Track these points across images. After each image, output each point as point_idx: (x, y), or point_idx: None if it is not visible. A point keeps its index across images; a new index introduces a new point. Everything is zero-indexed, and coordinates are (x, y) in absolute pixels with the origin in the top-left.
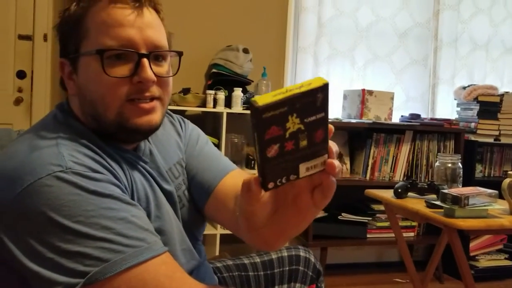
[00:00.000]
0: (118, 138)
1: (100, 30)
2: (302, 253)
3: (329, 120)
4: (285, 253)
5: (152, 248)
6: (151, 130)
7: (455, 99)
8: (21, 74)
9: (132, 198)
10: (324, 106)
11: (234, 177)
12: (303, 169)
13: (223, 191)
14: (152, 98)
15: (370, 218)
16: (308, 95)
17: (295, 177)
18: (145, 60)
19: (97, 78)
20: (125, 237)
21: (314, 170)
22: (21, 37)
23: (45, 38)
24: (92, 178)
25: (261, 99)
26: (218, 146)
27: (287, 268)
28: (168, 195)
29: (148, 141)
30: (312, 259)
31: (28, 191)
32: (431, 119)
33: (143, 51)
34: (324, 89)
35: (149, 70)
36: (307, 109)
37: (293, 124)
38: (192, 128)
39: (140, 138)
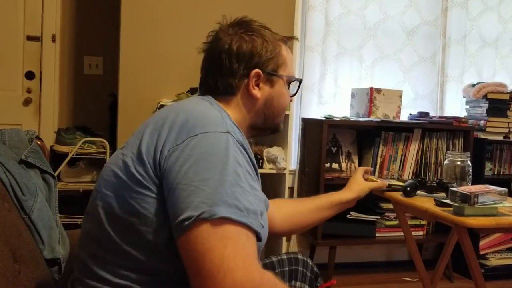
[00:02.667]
0: (261, 132)
1: (289, 64)
2: (300, 256)
3: (337, 119)
4: (284, 256)
5: (249, 221)
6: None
7: (464, 97)
8: (29, 75)
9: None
10: None
11: None
12: None
13: None
14: None
15: (379, 217)
16: None
17: None
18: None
19: (287, 95)
20: (237, 199)
21: None
22: (30, 38)
23: (53, 39)
24: (238, 148)
25: None
26: None
27: (287, 269)
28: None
29: None
30: (310, 262)
31: (197, 137)
32: (440, 117)
33: None
34: None
35: None
36: None
37: None
38: None
39: (267, 135)
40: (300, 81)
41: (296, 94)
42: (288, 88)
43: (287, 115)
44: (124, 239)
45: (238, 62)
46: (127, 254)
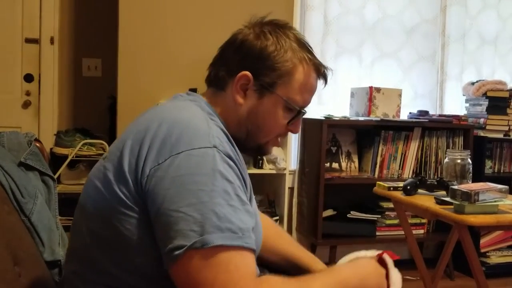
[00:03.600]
0: (242, 148)
1: (299, 89)
2: None
3: (337, 118)
4: None
5: (245, 241)
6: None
7: (463, 95)
8: (28, 78)
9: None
10: None
11: None
12: None
13: None
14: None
15: (379, 216)
16: None
17: None
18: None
19: (277, 117)
20: (228, 221)
21: None
22: (28, 40)
23: (51, 41)
24: (226, 162)
25: None
26: None
27: None
28: None
29: None
30: None
31: (180, 156)
32: (440, 115)
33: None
34: None
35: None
36: None
37: None
38: None
39: (252, 156)
40: (299, 112)
41: (293, 125)
42: (293, 118)
43: None
44: (109, 259)
45: (235, 55)
46: (112, 275)
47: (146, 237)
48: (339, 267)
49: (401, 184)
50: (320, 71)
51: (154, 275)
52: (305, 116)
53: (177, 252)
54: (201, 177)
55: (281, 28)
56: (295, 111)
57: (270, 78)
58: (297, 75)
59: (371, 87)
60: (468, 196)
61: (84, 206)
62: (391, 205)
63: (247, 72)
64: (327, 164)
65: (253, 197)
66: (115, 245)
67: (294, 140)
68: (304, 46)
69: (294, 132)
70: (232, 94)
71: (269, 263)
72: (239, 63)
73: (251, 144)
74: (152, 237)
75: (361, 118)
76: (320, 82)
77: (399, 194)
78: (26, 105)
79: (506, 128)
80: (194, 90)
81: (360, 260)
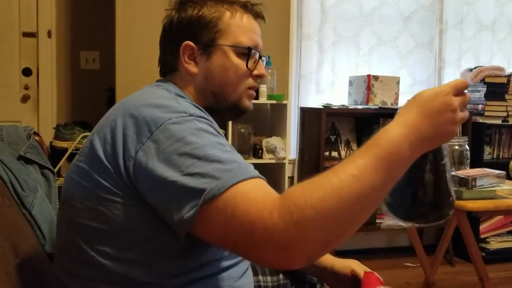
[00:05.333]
0: (221, 116)
1: (240, 31)
2: None
3: (336, 107)
4: None
5: (252, 171)
6: (248, 113)
7: None
8: (26, 71)
9: None
10: None
11: None
12: None
13: None
14: (256, 89)
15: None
16: None
17: None
18: (262, 60)
19: (233, 67)
20: (232, 161)
21: None
22: (26, 34)
23: (49, 34)
24: (206, 123)
25: None
26: (225, 136)
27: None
28: None
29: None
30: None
31: (161, 129)
32: None
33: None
34: None
35: (264, 67)
36: None
37: None
38: None
39: (235, 119)
40: (249, 49)
41: (254, 63)
42: (247, 59)
43: (285, 105)
44: (97, 250)
45: (171, 37)
46: (101, 266)
47: (134, 222)
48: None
49: None
50: (248, 8)
51: (144, 263)
52: (303, 105)
53: (195, 209)
54: (189, 139)
55: None
56: (246, 51)
57: (207, 35)
58: (228, 20)
59: (369, 75)
60: (466, 182)
61: (66, 201)
62: None
63: (187, 41)
64: (327, 153)
65: None
66: (102, 235)
67: (293, 129)
68: (220, 0)
69: (260, 75)
70: (185, 68)
71: None
72: (176, 40)
73: (224, 106)
74: (141, 220)
75: (359, 106)
76: (259, 21)
77: None
78: (25, 99)
79: (505, 114)
80: None
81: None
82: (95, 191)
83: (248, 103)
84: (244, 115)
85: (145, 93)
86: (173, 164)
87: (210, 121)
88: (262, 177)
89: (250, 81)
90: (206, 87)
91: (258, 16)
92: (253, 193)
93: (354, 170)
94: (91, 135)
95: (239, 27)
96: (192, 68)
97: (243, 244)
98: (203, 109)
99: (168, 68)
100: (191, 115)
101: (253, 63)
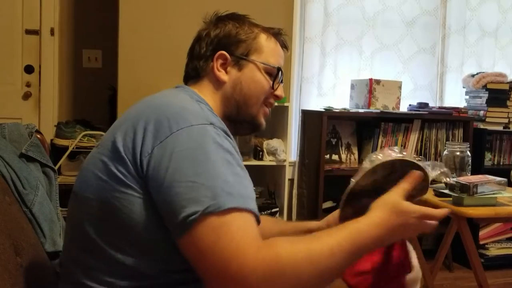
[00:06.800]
0: (239, 126)
1: (271, 53)
2: None
3: (337, 110)
4: None
5: (252, 207)
6: (260, 130)
7: (463, 87)
8: (29, 69)
9: None
10: None
11: None
12: None
13: None
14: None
15: None
16: None
17: None
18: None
19: (261, 81)
20: (235, 186)
21: None
22: (28, 31)
23: (52, 32)
24: (224, 137)
25: None
26: None
27: None
28: None
29: None
30: None
31: (181, 131)
32: (440, 107)
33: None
34: None
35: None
36: None
37: None
38: None
39: (248, 133)
40: (278, 69)
41: (278, 84)
42: (273, 79)
43: (286, 107)
44: (108, 243)
45: (206, 46)
46: (112, 259)
47: (147, 216)
48: (358, 224)
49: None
50: (279, 36)
51: (156, 256)
52: (305, 108)
53: (192, 218)
54: (204, 150)
55: (231, 15)
56: (274, 70)
57: (242, 49)
58: (263, 41)
59: (371, 79)
60: (467, 189)
61: (81, 194)
62: None
63: (222, 51)
64: (327, 156)
65: None
66: (115, 227)
67: (294, 131)
68: (256, 23)
69: (280, 96)
70: (215, 75)
71: None
72: (211, 48)
73: (243, 117)
74: (151, 215)
75: (361, 110)
76: (284, 50)
77: None
78: (26, 96)
79: (506, 121)
80: None
81: (379, 214)
82: (109, 183)
83: (263, 121)
84: (256, 132)
85: (169, 95)
86: (182, 168)
87: (227, 133)
88: (256, 212)
89: (268, 97)
90: (232, 95)
91: (284, 45)
92: (247, 231)
93: (333, 245)
94: (113, 130)
95: (271, 49)
96: (223, 76)
97: (214, 270)
98: (221, 120)
99: (194, 74)
100: (212, 123)
101: (277, 83)
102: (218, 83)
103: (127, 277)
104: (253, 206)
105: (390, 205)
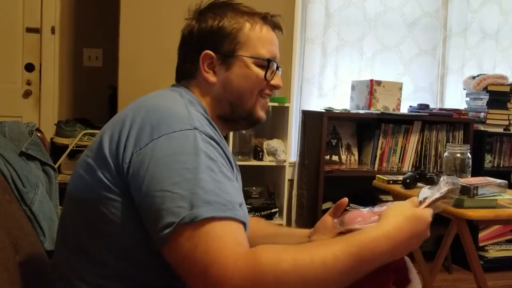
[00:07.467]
0: (236, 124)
1: (259, 43)
2: None
3: (337, 111)
4: None
5: (234, 213)
6: (261, 123)
7: (464, 89)
8: (29, 67)
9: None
10: None
11: None
12: None
13: None
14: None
15: None
16: None
17: None
18: (279, 72)
19: (253, 76)
20: (215, 193)
21: None
22: (29, 30)
23: (52, 30)
24: (208, 142)
25: None
26: (226, 138)
27: None
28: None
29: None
30: None
31: (161, 139)
32: (440, 109)
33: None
34: None
35: (280, 78)
36: None
37: None
38: None
39: (248, 128)
40: (268, 60)
41: (272, 74)
42: (266, 70)
43: (286, 108)
44: (99, 246)
45: (190, 45)
46: (103, 262)
47: (130, 221)
48: (362, 235)
49: (400, 177)
50: (267, 20)
51: (143, 259)
52: (305, 108)
53: (167, 230)
54: (183, 157)
55: (216, 5)
56: (265, 62)
57: (227, 46)
58: (248, 31)
59: (371, 80)
60: (467, 190)
61: (71, 195)
62: (390, 198)
63: (207, 51)
64: (327, 157)
65: (240, 180)
66: (103, 231)
67: (294, 132)
68: (239, 10)
69: (277, 86)
70: (203, 76)
71: None
72: (196, 48)
73: (240, 114)
74: (137, 220)
75: (361, 111)
76: (277, 32)
77: (398, 188)
78: (27, 94)
79: (506, 123)
80: None
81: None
82: (96, 188)
83: (261, 114)
84: (257, 125)
85: (158, 96)
86: (159, 177)
87: (213, 138)
88: (241, 219)
89: (264, 88)
90: (224, 96)
91: (276, 27)
92: (225, 238)
93: (326, 256)
94: (101, 131)
95: (259, 38)
96: (211, 77)
97: (195, 276)
98: (210, 120)
99: (185, 75)
100: (195, 128)
101: (271, 73)
102: (207, 85)
103: (119, 280)
104: (235, 213)
105: (406, 213)
